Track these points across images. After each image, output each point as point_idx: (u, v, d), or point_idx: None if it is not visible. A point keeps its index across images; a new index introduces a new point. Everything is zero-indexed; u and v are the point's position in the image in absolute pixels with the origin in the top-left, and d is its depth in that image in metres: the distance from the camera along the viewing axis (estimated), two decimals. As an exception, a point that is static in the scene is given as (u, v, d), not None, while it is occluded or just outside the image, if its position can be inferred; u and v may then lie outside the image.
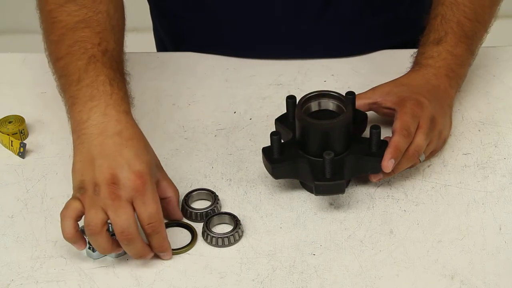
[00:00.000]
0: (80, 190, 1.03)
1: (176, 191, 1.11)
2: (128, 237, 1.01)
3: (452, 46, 1.21)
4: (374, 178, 1.12)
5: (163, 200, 1.09)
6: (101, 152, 1.04)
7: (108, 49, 1.12)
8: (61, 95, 1.13)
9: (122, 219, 1.00)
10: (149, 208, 1.02)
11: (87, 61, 1.10)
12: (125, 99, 1.09)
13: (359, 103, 1.18)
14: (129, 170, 1.02)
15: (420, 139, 1.12)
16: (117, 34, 1.16)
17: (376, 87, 1.21)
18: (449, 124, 1.20)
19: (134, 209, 1.02)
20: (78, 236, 1.03)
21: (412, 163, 1.13)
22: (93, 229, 1.01)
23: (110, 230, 1.04)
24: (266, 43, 1.39)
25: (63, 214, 1.03)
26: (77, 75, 1.09)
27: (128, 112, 1.08)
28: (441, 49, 1.21)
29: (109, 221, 1.03)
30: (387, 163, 1.08)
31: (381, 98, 1.18)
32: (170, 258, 1.06)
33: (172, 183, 1.11)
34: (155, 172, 1.07)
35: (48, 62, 1.16)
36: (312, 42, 1.39)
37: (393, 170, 1.10)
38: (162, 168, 1.11)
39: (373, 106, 1.20)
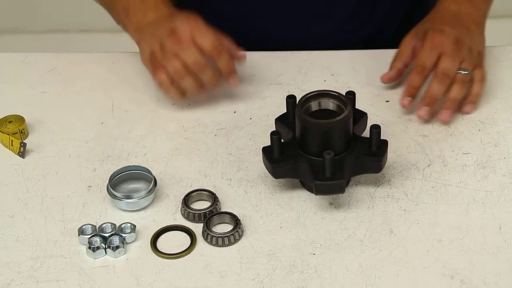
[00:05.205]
0: (151, 60, 1.20)
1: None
2: (200, 66, 1.18)
3: None
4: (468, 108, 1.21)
5: None
6: (157, 26, 1.21)
7: None
8: (111, 13, 1.32)
9: (189, 55, 1.18)
10: (208, 36, 1.17)
11: None
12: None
13: (398, 65, 1.23)
14: (183, 18, 1.19)
15: (445, 63, 1.16)
16: None
17: (401, 43, 1.24)
18: (480, 40, 1.23)
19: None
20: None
21: (446, 85, 1.17)
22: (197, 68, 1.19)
23: (108, 230, 1.06)
24: (266, 38, 1.39)
25: (165, 89, 1.21)
26: None
27: (175, 6, 1.26)
28: None
29: (102, 225, 1.07)
30: (404, 101, 1.16)
31: (412, 46, 1.22)
32: (236, 84, 1.18)
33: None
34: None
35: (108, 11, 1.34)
36: (312, 38, 1.39)
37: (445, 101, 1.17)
38: None
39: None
